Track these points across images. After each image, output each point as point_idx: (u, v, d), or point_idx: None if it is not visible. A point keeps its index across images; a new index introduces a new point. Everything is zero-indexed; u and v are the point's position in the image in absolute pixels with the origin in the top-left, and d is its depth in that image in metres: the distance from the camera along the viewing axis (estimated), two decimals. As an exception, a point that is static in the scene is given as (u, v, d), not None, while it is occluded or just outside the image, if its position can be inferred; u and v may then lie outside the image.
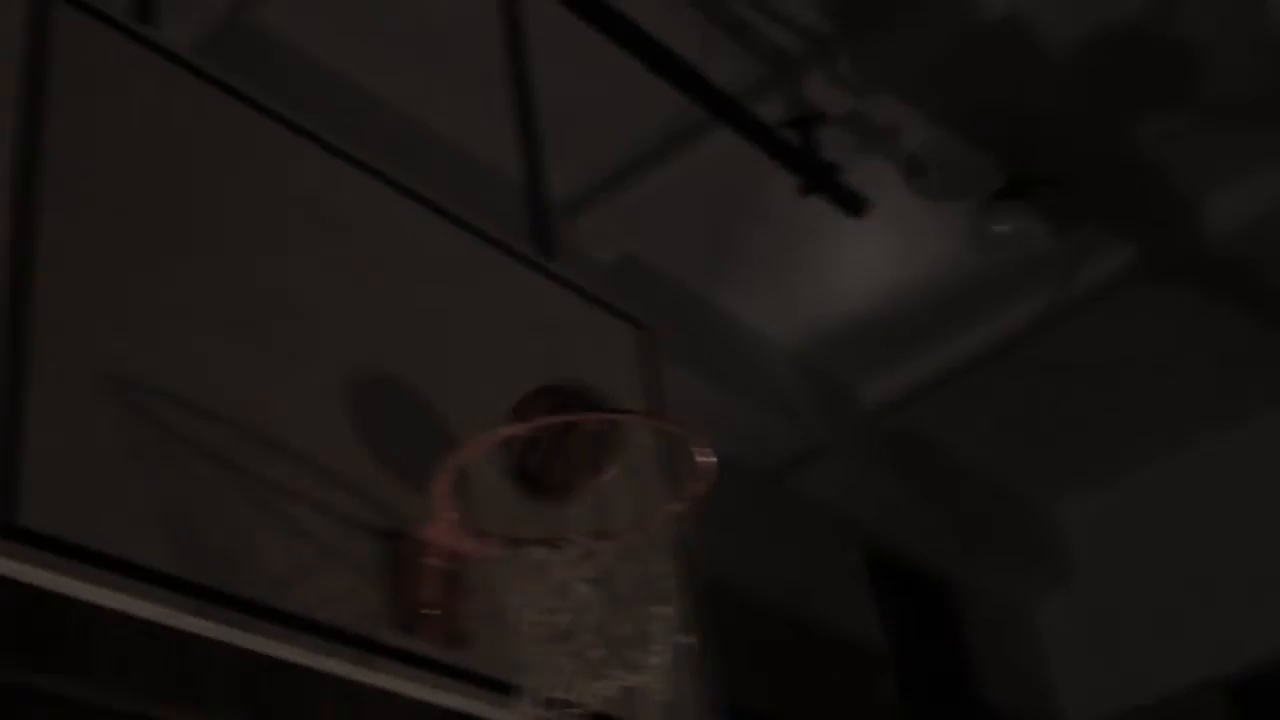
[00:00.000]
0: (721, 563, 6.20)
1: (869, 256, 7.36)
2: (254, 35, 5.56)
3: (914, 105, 6.47)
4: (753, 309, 7.60)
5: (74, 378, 2.77)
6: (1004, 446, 8.90)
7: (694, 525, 3.54)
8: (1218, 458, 9.10)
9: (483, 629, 3.15)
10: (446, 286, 3.69)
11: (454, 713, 3.21)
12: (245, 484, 2.94)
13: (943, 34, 6.14)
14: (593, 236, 6.68)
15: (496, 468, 2.90)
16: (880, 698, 8.12)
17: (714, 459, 2.89)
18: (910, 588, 9.01)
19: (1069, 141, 6.77)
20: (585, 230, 6.66)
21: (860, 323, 7.77)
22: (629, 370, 4.12)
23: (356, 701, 5.12)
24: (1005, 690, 9.15)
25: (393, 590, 3.09)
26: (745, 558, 7.46)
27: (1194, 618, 8.84)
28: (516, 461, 2.96)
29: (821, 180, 6.34)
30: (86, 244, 2.92)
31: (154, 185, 3.12)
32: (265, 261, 3.27)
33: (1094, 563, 9.50)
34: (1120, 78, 6.49)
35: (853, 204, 6.47)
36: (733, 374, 7.48)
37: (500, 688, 3.06)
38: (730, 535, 7.15)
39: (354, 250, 3.50)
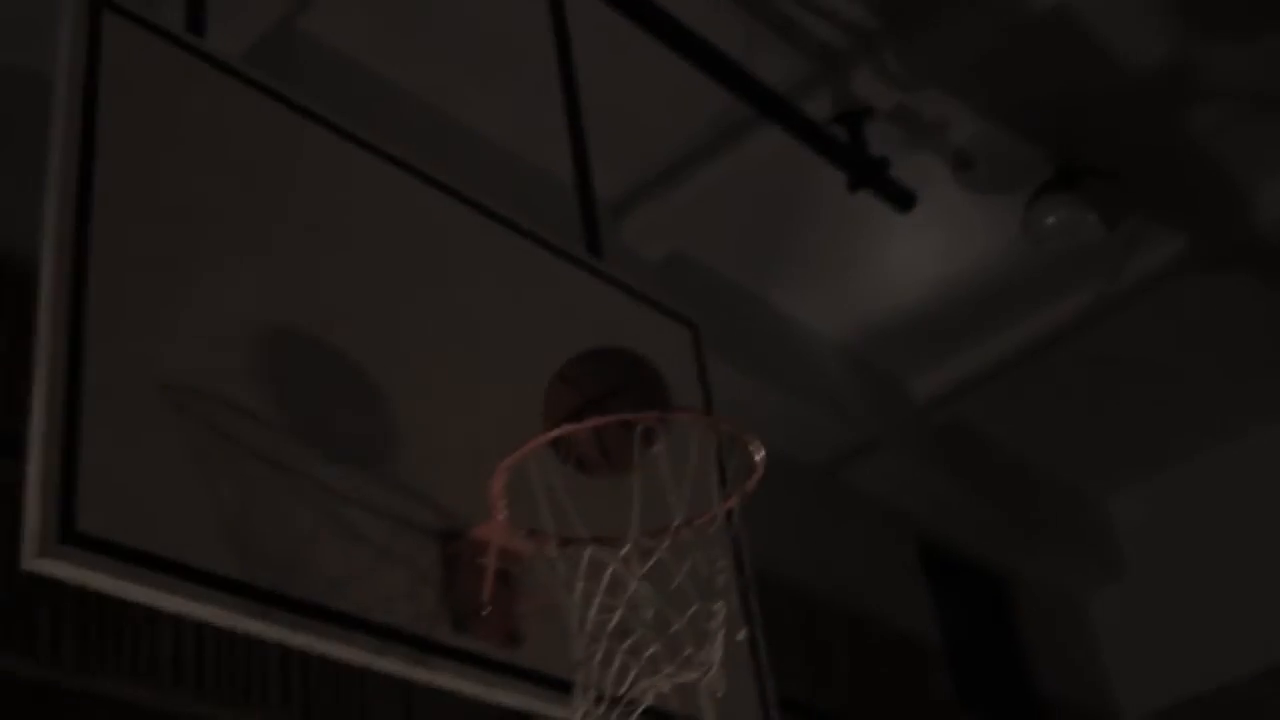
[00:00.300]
0: (775, 558, 6.20)
1: (918, 251, 7.35)
2: (303, 43, 5.59)
3: (961, 98, 6.46)
4: (802, 305, 7.60)
5: (130, 384, 2.79)
6: (1056, 439, 8.88)
7: (747, 521, 3.55)
8: (1270, 447, 9.06)
9: (538, 627, 3.17)
10: (496, 288, 3.71)
11: (510, 711, 3.22)
12: (301, 486, 2.96)
13: (989, 26, 6.13)
14: (642, 235, 6.69)
15: (547, 461, 2.91)
16: (935, 691, 8.11)
17: (764, 454, 2.90)
18: (964, 581, 9.00)
19: (1118, 132, 6.74)
20: (634, 229, 6.68)
21: (910, 317, 7.76)
22: (679, 368, 4.12)
23: (409, 702, 5.16)
24: (1060, 682, 9.13)
25: (448, 590, 3.11)
26: (799, 553, 7.47)
27: (1249, 607, 8.80)
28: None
29: (870, 175, 6.33)
30: (140, 251, 2.95)
31: (205, 192, 3.15)
32: (317, 266, 3.29)
33: (1147, 554, 9.47)
34: (1169, 67, 6.47)
35: (901, 199, 6.47)
36: (783, 370, 7.48)
37: (556, 685, 3.08)
38: (783, 530, 7.16)
39: (404, 253, 3.52)
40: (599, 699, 2.81)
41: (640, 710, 2.83)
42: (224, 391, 2.93)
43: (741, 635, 2.97)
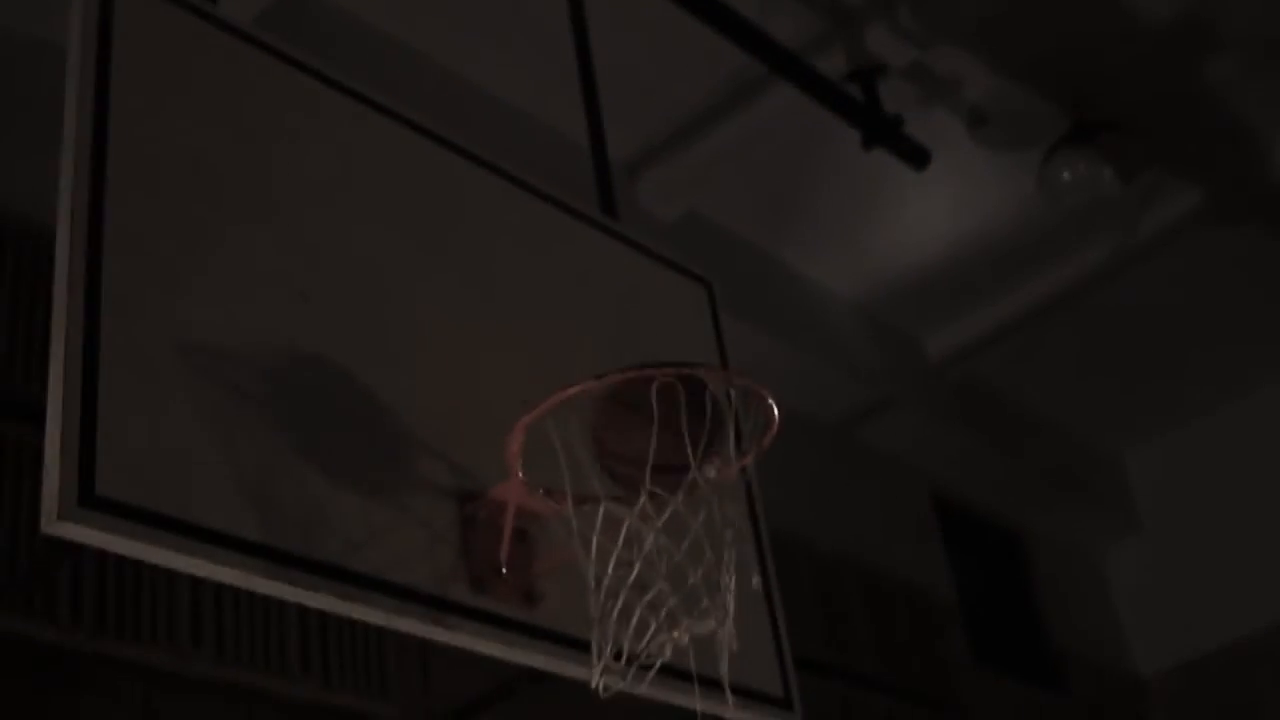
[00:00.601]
0: (791, 516, 6.21)
1: (933, 208, 7.35)
2: (315, 6, 5.59)
3: (975, 55, 6.44)
4: (817, 263, 7.60)
5: (147, 347, 2.80)
6: (1071, 395, 8.88)
7: (762, 479, 3.56)
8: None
9: (555, 585, 3.18)
10: (512, 249, 3.71)
11: (529, 670, 3.24)
12: (318, 448, 2.97)
13: (1003, -19, 6.13)
14: (657, 195, 6.69)
15: (577, 439, 2.91)
16: (950, 647, 8.13)
17: (779, 410, 2.90)
18: (979, 537, 9.02)
19: (1133, 86, 6.72)
20: (649, 189, 6.67)
21: (926, 275, 7.76)
22: (693, 326, 4.13)
23: (427, 664, 5.18)
24: (1075, 638, 9.15)
25: (466, 550, 3.12)
26: (814, 510, 7.49)
27: (1265, 561, 8.81)
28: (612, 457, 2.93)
29: (884, 133, 6.32)
30: (156, 216, 2.95)
31: (220, 157, 3.15)
32: (333, 229, 3.29)
33: (1163, 509, 9.48)
34: (1185, 20, 6.44)
35: (916, 157, 6.46)
36: (798, 328, 7.49)
37: (574, 644, 3.09)
38: (799, 488, 7.17)
39: (420, 215, 3.52)
40: (617, 656, 2.82)
41: (658, 667, 2.84)
42: (241, 354, 2.94)
43: (756, 581, 2.97)
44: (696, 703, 2.98)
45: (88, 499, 2.58)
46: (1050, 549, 9.44)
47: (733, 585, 2.85)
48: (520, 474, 2.98)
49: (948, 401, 8.36)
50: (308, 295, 3.13)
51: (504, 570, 3.12)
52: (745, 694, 3.21)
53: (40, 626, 4.41)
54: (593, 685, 2.85)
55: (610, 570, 2.79)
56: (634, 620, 2.79)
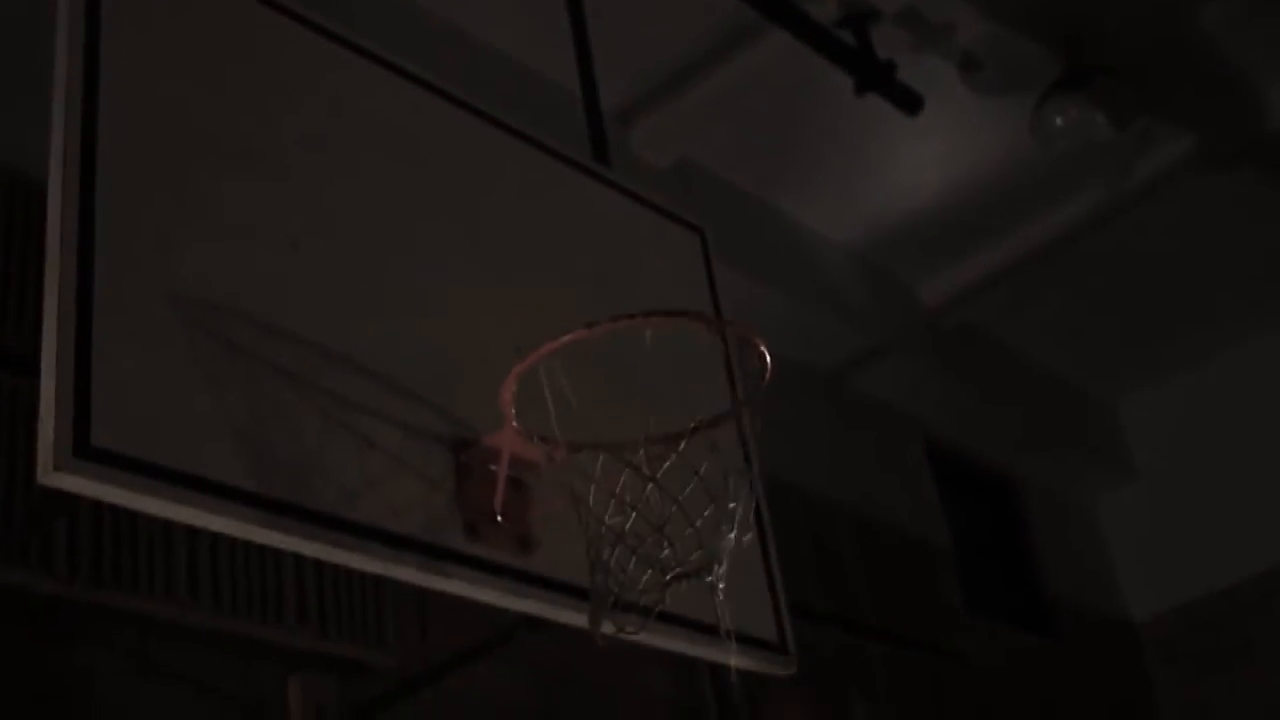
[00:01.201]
0: (785, 464, 6.22)
1: (926, 154, 7.33)
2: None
3: (968, -2, 6.43)
4: (811, 210, 7.59)
5: (141, 298, 2.80)
6: (1065, 342, 8.88)
7: (757, 426, 3.56)
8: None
9: (550, 534, 3.18)
10: (506, 198, 3.70)
11: (525, 618, 3.24)
12: (313, 398, 2.97)
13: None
14: (650, 142, 6.67)
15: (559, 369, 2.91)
16: (945, 594, 8.16)
17: (771, 357, 2.90)
18: (973, 485, 9.03)
19: (1127, 30, 6.69)
20: (643, 137, 6.65)
21: (919, 221, 7.74)
22: (686, 273, 4.13)
23: (424, 613, 5.19)
24: (1069, 585, 9.18)
25: (461, 498, 3.12)
26: (809, 458, 7.49)
27: (1257, 508, 8.83)
28: None
29: (877, 79, 6.30)
30: (150, 167, 2.94)
31: (212, 107, 3.14)
32: (328, 179, 3.29)
33: (1156, 456, 9.50)
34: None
35: (909, 102, 6.43)
36: (791, 275, 7.47)
37: (570, 591, 3.09)
38: (794, 436, 7.18)
39: (416, 165, 3.52)
40: (614, 604, 2.83)
41: (655, 615, 2.85)
42: (236, 303, 2.94)
43: (749, 537, 2.98)
44: (693, 648, 3.00)
45: (83, 450, 2.58)
46: (1044, 496, 9.46)
47: (730, 539, 2.86)
48: (514, 421, 2.98)
49: (942, 349, 8.36)
50: (297, 243, 3.13)
51: (499, 518, 3.13)
52: (741, 640, 3.22)
53: (37, 577, 4.40)
54: (592, 632, 2.86)
55: (607, 519, 2.80)
56: (630, 567, 2.80)
